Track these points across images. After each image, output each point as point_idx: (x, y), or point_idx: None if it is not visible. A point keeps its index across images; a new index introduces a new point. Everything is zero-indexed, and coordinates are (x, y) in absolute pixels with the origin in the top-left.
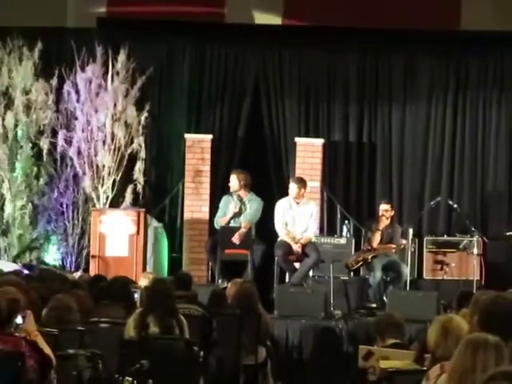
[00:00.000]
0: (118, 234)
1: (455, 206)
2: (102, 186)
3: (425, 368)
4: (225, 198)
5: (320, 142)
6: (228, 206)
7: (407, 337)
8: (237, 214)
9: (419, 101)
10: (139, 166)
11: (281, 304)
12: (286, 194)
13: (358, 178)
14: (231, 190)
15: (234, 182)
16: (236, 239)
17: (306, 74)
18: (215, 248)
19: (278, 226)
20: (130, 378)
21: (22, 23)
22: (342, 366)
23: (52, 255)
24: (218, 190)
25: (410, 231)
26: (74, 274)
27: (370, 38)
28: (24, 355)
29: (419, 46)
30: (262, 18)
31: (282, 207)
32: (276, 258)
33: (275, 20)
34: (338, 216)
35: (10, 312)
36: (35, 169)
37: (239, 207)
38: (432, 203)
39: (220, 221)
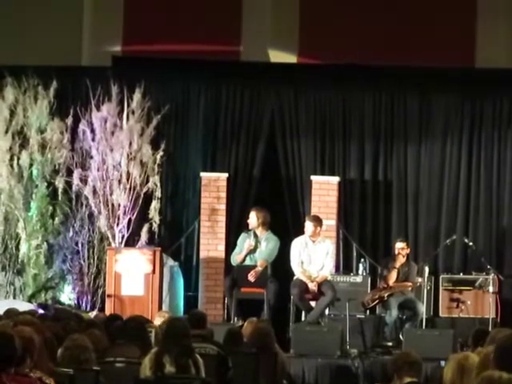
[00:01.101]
0: (133, 273)
1: (471, 243)
2: (118, 224)
3: None
4: (243, 235)
5: (336, 179)
6: (245, 243)
7: (423, 375)
8: (252, 251)
9: (434, 138)
10: (155, 204)
11: (297, 343)
12: (302, 233)
13: (373, 216)
14: (250, 226)
15: (253, 219)
16: (252, 277)
17: (322, 112)
18: (233, 286)
19: (294, 265)
20: None
21: (37, 62)
22: None
23: (67, 294)
24: (234, 228)
25: (426, 269)
26: (90, 314)
27: (384, 75)
28: None
29: (434, 84)
30: (278, 56)
31: (297, 246)
32: (292, 297)
33: (290, 58)
34: (354, 254)
35: (24, 352)
36: (50, 208)
37: (255, 244)
38: (448, 241)
39: (237, 258)
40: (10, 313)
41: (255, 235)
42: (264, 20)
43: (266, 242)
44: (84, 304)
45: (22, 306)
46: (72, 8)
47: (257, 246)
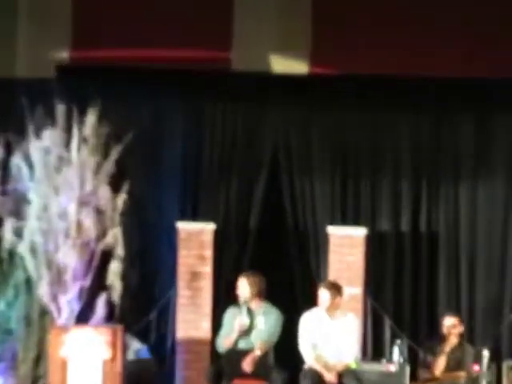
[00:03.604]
0: (86, 359)
1: None
2: (65, 294)
3: None
4: (231, 311)
5: (362, 232)
6: (235, 321)
7: None
8: (246, 332)
9: (496, 176)
10: (115, 266)
11: None
12: (315, 305)
13: (413, 282)
14: (240, 299)
15: (244, 288)
16: (248, 366)
17: (342, 140)
18: (220, 379)
19: (305, 348)
20: None
21: None
22: None
23: None
24: (223, 299)
25: (486, 354)
26: None
27: (427, 91)
28: None
29: (495, 101)
30: (282, 65)
31: (309, 322)
32: None
33: (300, 67)
34: (387, 333)
35: None
36: None
37: (250, 322)
38: None
39: (224, 342)
40: None
41: (249, 310)
42: (264, 17)
43: (264, 316)
44: None
45: None
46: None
47: (252, 324)
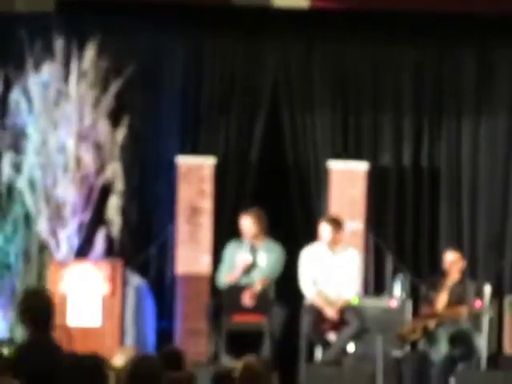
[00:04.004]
0: (85, 295)
1: None
2: (64, 229)
3: None
4: (231, 246)
5: (363, 166)
6: (236, 257)
7: None
8: (249, 269)
9: (498, 109)
10: (114, 201)
11: None
12: (316, 239)
13: (415, 217)
14: (243, 236)
15: (248, 226)
16: (248, 301)
17: (344, 74)
18: (219, 314)
19: (305, 284)
20: None
21: None
22: None
23: None
24: (224, 234)
25: (488, 289)
26: None
27: (430, 24)
28: None
29: (498, 36)
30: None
31: (310, 257)
32: (303, 327)
33: (301, 1)
34: (389, 268)
35: None
36: None
37: (252, 259)
38: None
39: (225, 277)
40: None
41: (251, 247)
42: None
43: (266, 253)
44: (19, 337)
45: None
46: None
47: (255, 260)
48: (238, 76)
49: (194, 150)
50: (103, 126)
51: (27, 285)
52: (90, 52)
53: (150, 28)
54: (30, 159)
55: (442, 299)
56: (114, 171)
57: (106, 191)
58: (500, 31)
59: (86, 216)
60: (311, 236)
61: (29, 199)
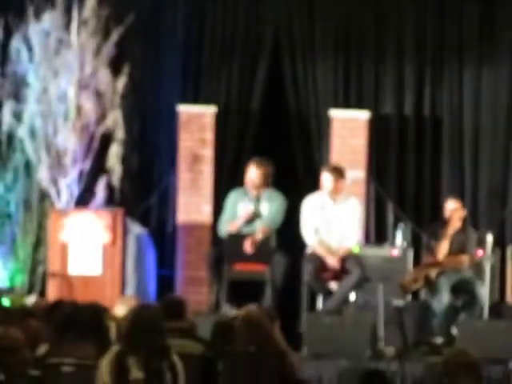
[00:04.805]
0: (86, 243)
1: None
2: (65, 177)
3: None
4: (234, 195)
5: (365, 115)
6: (238, 206)
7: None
8: (251, 218)
9: (500, 59)
10: (115, 150)
11: (312, 339)
12: (318, 188)
13: (417, 166)
14: (247, 186)
15: (254, 175)
16: (249, 249)
17: (346, 24)
18: (220, 262)
19: (307, 233)
20: None
21: None
22: None
23: None
24: (224, 182)
25: (489, 238)
26: (26, 299)
27: None
28: None
29: None
30: None
31: (312, 206)
32: (304, 276)
33: None
34: (390, 217)
35: None
36: None
37: (254, 209)
38: None
39: (227, 227)
40: None
41: (255, 196)
42: None
43: (268, 202)
44: (19, 286)
45: None
46: None
47: (257, 210)
48: (239, 25)
49: (196, 99)
50: (104, 75)
51: (27, 234)
52: (90, 0)
53: None
54: (31, 108)
55: (443, 248)
56: (115, 120)
57: (106, 140)
58: None
59: (87, 164)
60: (313, 185)
61: (29, 148)
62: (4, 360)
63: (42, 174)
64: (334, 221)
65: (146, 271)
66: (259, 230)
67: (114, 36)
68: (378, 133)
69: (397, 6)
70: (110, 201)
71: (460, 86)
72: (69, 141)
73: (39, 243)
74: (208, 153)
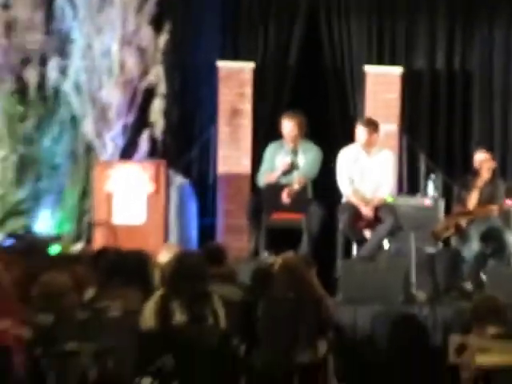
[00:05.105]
0: (130, 193)
1: None
2: (109, 130)
3: None
4: (272, 147)
5: (398, 70)
6: (276, 158)
7: None
8: (289, 170)
9: None
10: (158, 104)
11: (347, 285)
12: (352, 141)
13: (448, 119)
14: (284, 138)
15: (289, 128)
16: (286, 199)
17: None
18: (259, 212)
19: (342, 183)
20: (149, 379)
21: None
22: (427, 364)
23: (44, 222)
24: (262, 135)
25: None
26: (74, 247)
27: None
28: (10, 350)
29: None
30: None
31: (347, 158)
32: (340, 225)
33: None
34: (422, 169)
35: None
36: (20, 108)
37: (291, 160)
38: None
39: (266, 177)
40: None
41: (293, 148)
42: None
43: (304, 154)
44: (66, 234)
45: None
46: None
47: (294, 162)
48: None
49: (235, 55)
50: (146, 32)
51: (74, 184)
52: None
53: None
54: (76, 63)
55: (473, 198)
56: (157, 75)
57: (149, 94)
58: None
59: (130, 118)
60: (348, 138)
61: (75, 102)
62: (53, 303)
63: (88, 128)
64: (367, 172)
65: (188, 220)
66: (296, 180)
67: None
68: (410, 87)
69: None
70: (153, 153)
71: (490, 43)
72: (113, 95)
73: (85, 193)
74: (247, 107)
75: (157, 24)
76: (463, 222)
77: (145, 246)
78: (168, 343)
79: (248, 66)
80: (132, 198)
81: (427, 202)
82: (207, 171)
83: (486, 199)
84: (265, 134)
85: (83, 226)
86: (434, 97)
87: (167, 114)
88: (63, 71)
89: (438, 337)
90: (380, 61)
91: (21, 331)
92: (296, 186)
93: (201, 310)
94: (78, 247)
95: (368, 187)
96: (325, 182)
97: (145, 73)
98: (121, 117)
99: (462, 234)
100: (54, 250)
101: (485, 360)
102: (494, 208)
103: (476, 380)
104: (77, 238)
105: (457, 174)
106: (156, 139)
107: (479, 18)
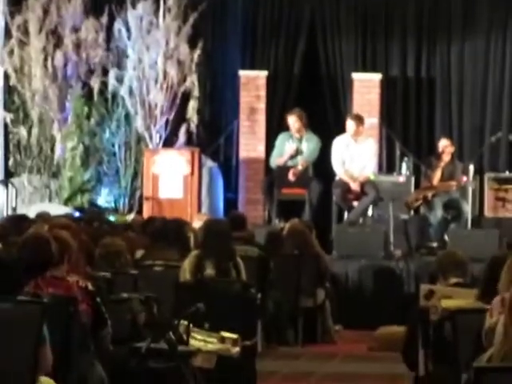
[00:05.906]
0: (171, 174)
1: None
2: (155, 125)
3: (488, 306)
4: (282, 136)
5: (377, 76)
6: (285, 145)
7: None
8: (295, 154)
9: (479, 33)
10: (192, 104)
11: (340, 244)
12: (344, 132)
13: (416, 114)
14: (291, 130)
15: (293, 122)
16: (292, 177)
17: (363, 6)
18: (271, 187)
19: (336, 165)
20: (185, 322)
21: None
22: (403, 307)
23: (104, 197)
24: (274, 128)
25: (471, 168)
26: (127, 217)
27: None
28: (76, 300)
29: None
30: None
31: (339, 145)
32: (334, 197)
33: None
34: (397, 153)
35: (60, 255)
36: (86, 109)
37: (296, 147)
38: (493, 138)
39: (277, 161)
40: (44, 216)
41: (296, 138)
42: None
43: (307, 142)
44: (121, 207)
45: (59, 209)
46: None
47: (298, 149)
48: (284, 8)
49: (252, 65)
50: (184, 48)
51: (128, 167)
52: None
53: None
54: (130, 73)
55: (437, 176)
56: (192, 82)
57: (186, 97)
58: None
59: (171, 115)
60: (340, 129)
61: (128, 103)
62: (111, 261)
63: (138, 123)
64: (355, 156)
65: (216, 194)
66: (300, 163)
67: (191, 19)
68: (387, 90)
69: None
70: (189, 142)
71: (448, 54)
72: (158, 98)
73: (136, 174)
74: (261, 106)
75: (192, 42)
76: (429, 195)
77: (183, 215)
78: (200, 292)
79: (262, 74)
80: (173, 177)
81: (401, 178)
82: (231, 156)
83: (447, 176)
84: (275, 127)
85: (135, 201)
86: (406, 97)
87: (200, 111)
88: (120, 79)
89: (411, 285)
90: (364, 69)
91: (86, 284)
92: (300, 167)
93: (226, 265)
94: (130, 217)
95: (356, 168)
96: (323, 164)
97: (183, 80)
98: (164, 114)
99: (428, 204)
100: (112, 219)
101: (448, 304)
102: (454, 183)
103: (442, 320)
104: (129, 210)
105: (424, 156)
106: (191, 131)
107: (440, 35)
